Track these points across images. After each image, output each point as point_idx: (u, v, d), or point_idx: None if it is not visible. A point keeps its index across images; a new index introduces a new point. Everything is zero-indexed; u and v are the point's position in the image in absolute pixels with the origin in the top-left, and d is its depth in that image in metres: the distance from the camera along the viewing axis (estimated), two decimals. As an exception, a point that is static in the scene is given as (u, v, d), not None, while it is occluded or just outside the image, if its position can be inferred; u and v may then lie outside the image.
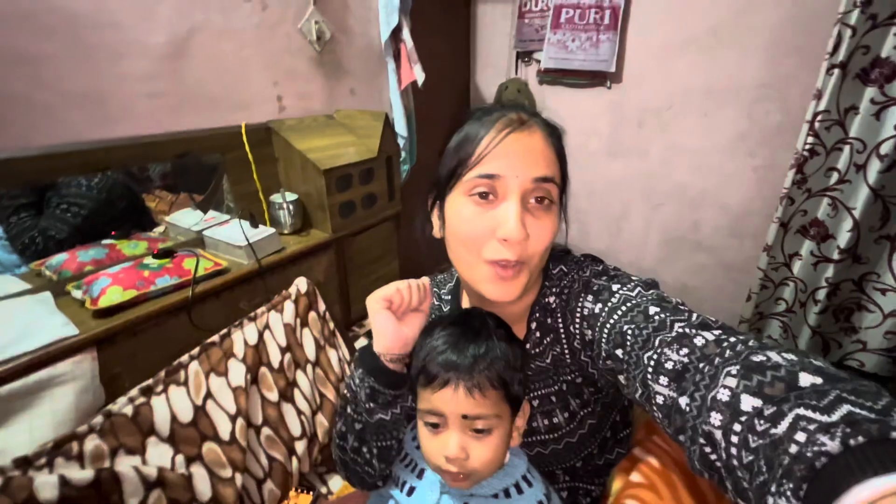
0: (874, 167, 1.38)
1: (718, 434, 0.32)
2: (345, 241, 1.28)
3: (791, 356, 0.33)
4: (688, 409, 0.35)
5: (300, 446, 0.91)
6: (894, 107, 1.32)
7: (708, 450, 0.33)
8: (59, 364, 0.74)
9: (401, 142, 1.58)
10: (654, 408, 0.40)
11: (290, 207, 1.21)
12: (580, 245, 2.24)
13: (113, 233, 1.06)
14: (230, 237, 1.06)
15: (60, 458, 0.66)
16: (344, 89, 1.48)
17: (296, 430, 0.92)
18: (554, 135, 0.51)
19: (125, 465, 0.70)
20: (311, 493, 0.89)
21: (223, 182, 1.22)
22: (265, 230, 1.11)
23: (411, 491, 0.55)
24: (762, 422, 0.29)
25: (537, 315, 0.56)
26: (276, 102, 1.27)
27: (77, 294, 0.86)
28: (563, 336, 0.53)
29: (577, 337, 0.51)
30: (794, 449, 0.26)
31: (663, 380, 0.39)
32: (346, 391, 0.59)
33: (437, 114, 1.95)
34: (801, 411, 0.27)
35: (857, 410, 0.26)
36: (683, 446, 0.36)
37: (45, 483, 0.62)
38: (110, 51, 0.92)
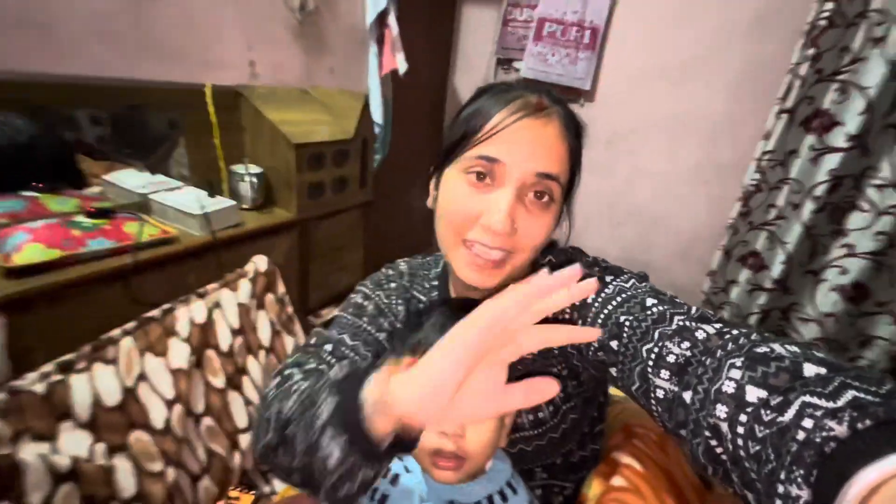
0: (808, 207, 1.53)
1: (724, 426, 0.32)
2: (310, 223, 1.20)
3: (794, 348, 0.33)
4: (692, 402, 0.35)
5: (245, 440, 0.83)
6: (829, 154, 1.47)
7: (714, 443, 0.33)
8: (-46, 328, 0.62)
9: (376, 129, 1.53)
10: (654, 402, 0.39)
11: (254, 180, 1.11)
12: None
13: (38, 185, 0.91)
14: (183, 204, 0.95)
15: (-56, 441, 0.54)
16: (323, 66, 1.40)
17: (241, 421, 0.83)
18: (572, 130, 0.48)
19: (30, 452, 0.58)
20: (253, 492, 0.80)
21: (178, 145, 1.10)
22: (224, 201, 1.01)
23: (383, 500, 0.50)
24: (768, 412, 0.29)
25: None
26: (248, 68, 1.18)
27: (-15, 248, 0.72)
28: None
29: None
30: (801, 435, 0.26)
31: (664, 373, 0.38)
32: (302, 398, 0.40)
33: (411, 109, 1.91)
34: (807, 398, 0.27)
35: (863, 395, 0.26)
36: (685, 441, 0.35)
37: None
38: (60, -26, 0.80)
